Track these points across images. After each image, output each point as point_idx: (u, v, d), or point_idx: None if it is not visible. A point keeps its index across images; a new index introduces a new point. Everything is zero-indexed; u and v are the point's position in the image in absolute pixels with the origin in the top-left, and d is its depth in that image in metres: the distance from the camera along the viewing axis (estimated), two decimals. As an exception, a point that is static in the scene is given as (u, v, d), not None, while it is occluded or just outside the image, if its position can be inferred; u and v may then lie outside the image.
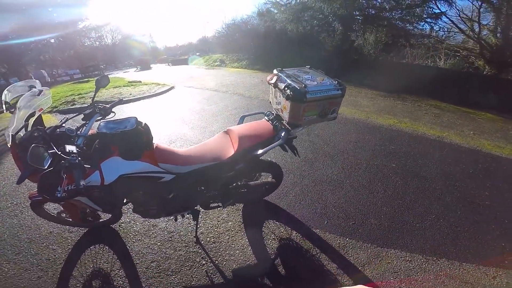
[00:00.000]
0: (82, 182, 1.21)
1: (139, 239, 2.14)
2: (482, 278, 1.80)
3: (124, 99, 7.24)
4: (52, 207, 2.32)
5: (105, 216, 2.16)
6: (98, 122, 1.61)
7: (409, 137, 4.16)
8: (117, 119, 1.59)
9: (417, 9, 10.63)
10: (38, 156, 1.18)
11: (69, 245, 2.12)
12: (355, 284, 1.73)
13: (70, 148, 1.35)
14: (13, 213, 2.55)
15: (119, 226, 2.28)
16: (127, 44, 37.88)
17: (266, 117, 2.03)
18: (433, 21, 10.85)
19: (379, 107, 6.08)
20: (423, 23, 11.19)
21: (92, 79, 15.05)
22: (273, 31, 14.93)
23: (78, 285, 1.79)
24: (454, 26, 10.70)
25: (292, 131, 1.82)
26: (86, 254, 2.03)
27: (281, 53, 13.21)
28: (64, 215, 2.06)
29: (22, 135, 1.43)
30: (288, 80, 1.71)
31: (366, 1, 11.38)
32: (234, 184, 2.01)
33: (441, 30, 11.40)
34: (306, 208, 2.44)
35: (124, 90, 8.76)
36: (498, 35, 9.39)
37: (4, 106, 1.50)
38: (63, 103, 7.24)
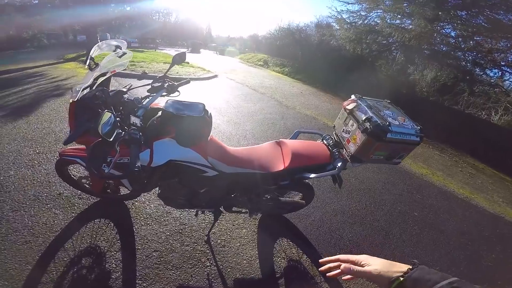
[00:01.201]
0: (138, 163, 1.10)
1: (149, 224, 2.05)
2: None
3: (170, 75, 7.63)
4: (76, 170, 2.26)
5: (124, 191, 2.06)
6: (163, 99, 1.59)
7: (438, 191, 4.02)
8: (185, 101, 1.54)
9: (496, 55, 9.19)
10: (109, 126, 1.08)
11: (73, 213, 1.98)
12: None
13: (134, 120, 1.29)
14: (31, 163, 2.44)
15: (132, 204, 2.19)
16: (186, 25, 39.39)
17: (324, 141, 1.91)
18: (508, 70, 9.39)
19: (415, 152, 5.84)
20: (496, 70, 9.62)
21: (147, 50, 15.76)
22: (327, 46, 14.66)
23: (65, 258, 1.64)
24: None
25: (350, 163, 1.69)
26: (87, 226, 1.90)
27: (328, 69, 12.91)
28: (85, 180, 1.96)
29: (85, 93, 1.35)
30: (369, 112, 1.57)
31: (442, 36, 10.19)
32: (267, 196, 1.93)
33: (509, 80, 9.96)
34: (322, 235, 2.40)
35: (172, 67, 9.21)
36: None
37: (88, 61, 1.46)
38: (113, 66, 7.83)
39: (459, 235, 2.97)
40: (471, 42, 9.62)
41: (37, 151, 2.68)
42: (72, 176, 1.99)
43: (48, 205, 2.02)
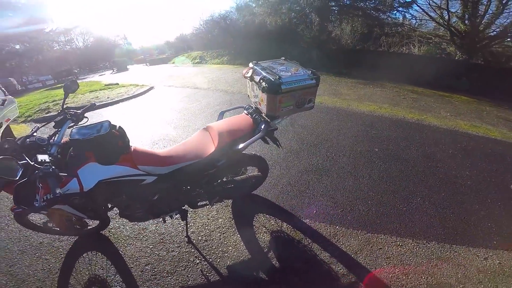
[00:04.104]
0: (58, 191, 1.19)
1: (131, 243, 2.12)
2: (474, 260, 1.84)
3: (100, 103, 6.98)
4: (38, 218, 2.26)
5: (93, 223, 2.13)
6: (71, 129, 1.58)
7: (390, 122, 4.29)
8: (89, 124, 1.55)
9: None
10: (8, 168, 1.16)
11: (61, 254, 2.08)
12: (350, 271, 1.75)
13: (42, 157, 1.33)
14: (0, 226, 2.46)
15: (109, 231, 2.25)
16: (100, 46, 36.33)
17: (245, 111, 2.03)
18: (405, 10, 11.41)
19: (359, 94, 6.22)
20: (396, 12, 11.64)
21: (66, 84, 14.41)
22: (252, 25, 14.89)
23: None
24: (425, 14, 11.15)
25: (272, 123, 1.83)
26: (80, 261, 2.00)
27: (262, 47, 13.19)
28: (50, 224, 2.02)
29: None
30: (263, 73, 1.73)
31: None
32: (219, 181, 2.00)
33: (413, 18, 11.95)
34: (294, 199, 2.46)
35: (101, 93, 8.45)
36: (466, 22, 9.80)
37: None
38: (37, 111, 6.90)
39: (425, 159, 3.10)
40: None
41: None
42: (38, 224, 2.03)
43: (37, 254, 2.11)
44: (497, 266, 1.79)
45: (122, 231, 2.25)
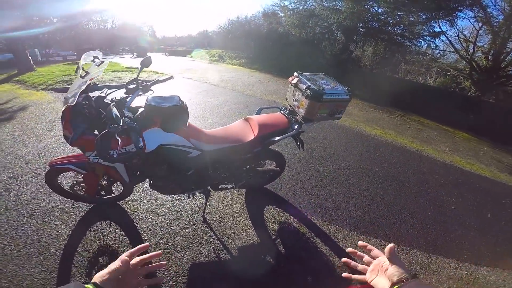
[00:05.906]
0: (140, 144, 1.40)
1: (147, 217, 2.22)
2: (446, 268, 2.18)
3: (123, 83, 7.31)
4: (64, 181, 2.40)
5: (116, 192, 2.21)
6: (140, 97, 1.81)
7: (392, 147, 4.60)
8: (163, 96, 1.76)
9: (418, 26, 10.95)
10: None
11: (73, 221, 2.08)
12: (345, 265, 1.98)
13: (128, 113, 1.56)
14: (10, 187, 2.46)
15: (126, 203, 2.34)
16: (126, 30, 36.83)
17: (281, 111, 2.30)
18: (432, 39, 11.29)
19: (368, 117, 6.51)
20: (421, 40, 11.55)
21: (88, 62, 14.77)
22: (275, 33, 15.09)
23: (83, 261, 1.76)
24: (451, 45, 11.22)
25: (304, 125, 2.09)
26: (92, 230, 2.01)
27: (281, 56, 13.44)
28: (77, 187, 2.03)
29: (74, 99, 1.48)
30: (308, 82, 1.98)
31: (372, 15, 11.59)
32: (247, 167, 2.25)
33: (436, 48, 11.98)
34: (301, 198, 2.72)
35: (123, 74, 8.70)
36: (490, 57, 10.01)
37: (79, 70, 1.64)
38: (58, 81, 7.16)
39: (419, 184, 3.47)
40: (396, 17, 11.14)
41: (12, 175, 2.65)
42: (62, 187, 2.07)
43: (46, 219, 2.10)
44: (464, 276, 2.14)
45: (139, 204, 2.37)
